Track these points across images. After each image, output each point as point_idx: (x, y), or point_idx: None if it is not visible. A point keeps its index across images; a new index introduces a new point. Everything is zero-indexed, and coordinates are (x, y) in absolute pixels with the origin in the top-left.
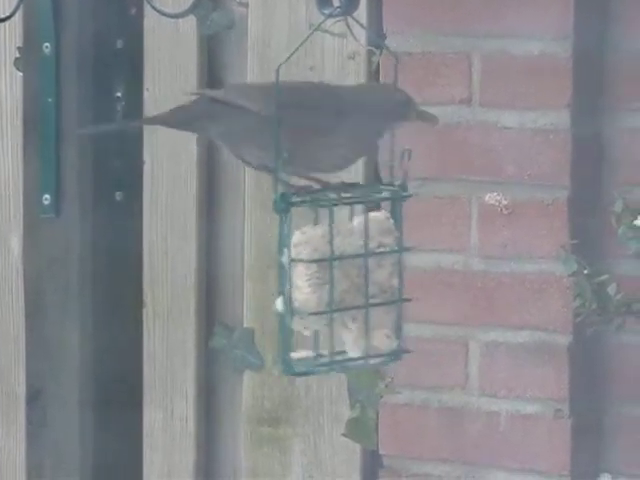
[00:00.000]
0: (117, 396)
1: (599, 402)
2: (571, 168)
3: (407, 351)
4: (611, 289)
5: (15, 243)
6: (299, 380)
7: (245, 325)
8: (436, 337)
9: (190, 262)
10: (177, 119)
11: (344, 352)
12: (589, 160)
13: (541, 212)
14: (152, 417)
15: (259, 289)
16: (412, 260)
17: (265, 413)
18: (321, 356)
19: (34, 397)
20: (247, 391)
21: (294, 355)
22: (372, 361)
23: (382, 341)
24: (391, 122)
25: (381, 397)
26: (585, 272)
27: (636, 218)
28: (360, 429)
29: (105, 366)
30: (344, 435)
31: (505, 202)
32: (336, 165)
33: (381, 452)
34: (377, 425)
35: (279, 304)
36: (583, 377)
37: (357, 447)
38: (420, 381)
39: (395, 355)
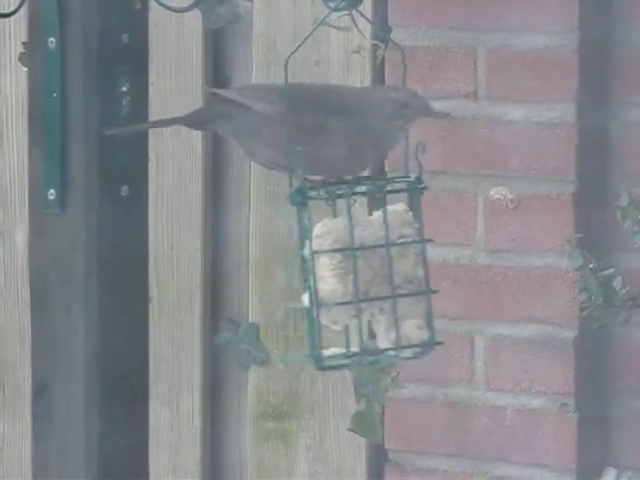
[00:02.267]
0: (123, 391)
1: (605, 396)
2: (577, 162)
3: (439, 343)
4: (617, 283)
5: (20, 238)
6: (304, 375)
7: (250, 320)
8: (442, 331)
9: (196, 257)
10: (194, 120)
11: (375, 349)
12: (595, 154)
13: (547, 206)
14: (158, 412)
15: (265, 284)
16: None
17: (270, 408)
18: (352, 353)
19: (40, 391)
20: (252, 386)
21: (325, 352)
22: (404, 353)
23: (413, 331)
24: (391, 124)
25: (387, 391)
26: (591, 266)
27: None
28: (366, 423)
29: (111, 361)
30: (350, 429)
31: (511, 196)
32: (342, 167)
33: (387, 446)
34: (383, 419)
35: (305, 299)
36: (589, 371)
37: (363, 441)
38: (426, 375)
39: (427, 346)
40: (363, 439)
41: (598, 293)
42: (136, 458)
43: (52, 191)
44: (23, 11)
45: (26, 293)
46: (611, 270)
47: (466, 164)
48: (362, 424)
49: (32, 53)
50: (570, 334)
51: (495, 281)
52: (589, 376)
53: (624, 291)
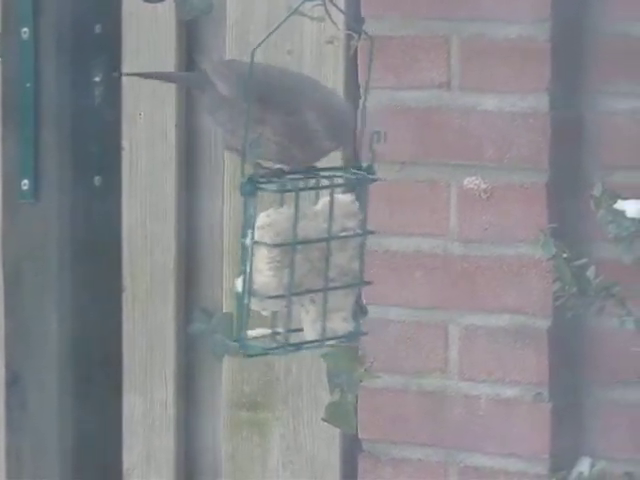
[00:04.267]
0: (97, 381)
1: (579, 386)
2: (550, 152)
3: (363, 333)
4: (590, 273)
5: None
6: (278, 364)
7: (224, 310)
8: (416, 321)
9: (169, 247)
10: (189, 80)
11: (301, 330)
12: (568, 143)
13: (520, 196)
14: (132, 402)
15: (237, 274)
16: (391, 244)
17: (244, 398)
18: (277, 334)
19: (13, 382)
20: (226, 376)
21: (250, 333)
22: (327, 343)
23: (339, 324)
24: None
25: (360, 381)
26: (564, 256)
27: (615, 202)
28: (339, 413)
29: (84, 351)
30: (323, 419)
31: (484, 186)
32: (291, 156)
33: (361, 436)
34: (356, 409)
35: (239, 284)
36: (563, 361)
37: (337, 431)
38: (400, 365)
39: (351, 337)
40: (337, 429)
41: (572, 283)
42: (110, 447)
43: (25, 181)
44: None
45: None
46: (585, 260)
47: (439, 154)
48: (336, 414)
49: (5, 43)
50: (544, 324)
51: (469, 271)
52: (563, 366)
53: (598, 281)
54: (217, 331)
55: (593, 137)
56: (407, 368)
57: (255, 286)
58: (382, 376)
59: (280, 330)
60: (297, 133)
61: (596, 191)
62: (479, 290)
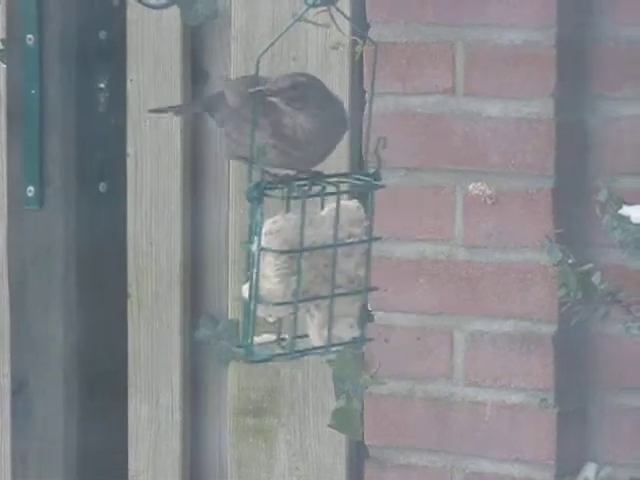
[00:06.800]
0: (102, 387)
1: (584, 391)
2: (555, 157)
3: (369, 340)
4: (596, 278)
5: None
6: (284, 371)
7: (230, 316)
8: (421, 327)
9: (175, 253)
10: (199, 106)
11: (306, 336)
12: (573, 149)
13: (526, 201)
14: (137, 408)
15: (244, 280)
16: (396, 250)
17: (250, 404)
18: (283, 339)
19: (19, 388)
20: (232, 382)
21: (256, 339)
22: (333, 349)
23: (345, 330)
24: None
25: (366, 387)
26: (570, 261)
27: (621, 207)
28: (345, 420)
29: (90, 357)
30: (329, 426)
31: (489, 192)
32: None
33: (367, 442)
34: (362, 415)
35: (245, 291)
36: (568, 366)
37: (343, 437)
38: (405, 371)
39: (357, 343)
40: (343, 435)
41: (577, 288)
42: (115, 453)
43: (31, 188)
44: (1, 8)
45: (5, 290)
46: (590, 265)
47: (445, 160)
48: (342, 420)
49: (10, 50)
50: (549, 329)
51: (474, 277)
52: (568, 371)
53: (603, 286)
54: (223, 337)
55: (598, 143)
56: (412, 374)
57: (261, 292)
58: (388, 382)
59: (286, 336)
60: (292, 132)
61: (601, 196)
62: (484, 296)
